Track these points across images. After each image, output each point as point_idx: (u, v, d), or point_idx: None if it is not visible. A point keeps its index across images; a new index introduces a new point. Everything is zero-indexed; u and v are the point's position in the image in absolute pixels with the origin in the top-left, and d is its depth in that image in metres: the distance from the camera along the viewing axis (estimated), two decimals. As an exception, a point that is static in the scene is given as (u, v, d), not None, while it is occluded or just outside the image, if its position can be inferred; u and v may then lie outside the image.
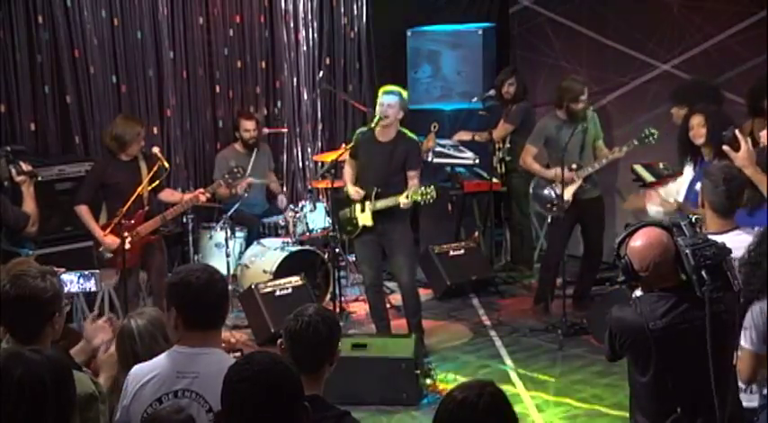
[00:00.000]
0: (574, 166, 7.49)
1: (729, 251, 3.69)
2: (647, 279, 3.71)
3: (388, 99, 6.90)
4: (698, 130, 6.18)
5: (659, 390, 3.68)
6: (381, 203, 6.95)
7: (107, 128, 8.20)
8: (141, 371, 3.43)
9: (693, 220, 3.75)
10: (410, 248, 7.23)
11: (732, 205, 4.54)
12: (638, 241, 3.71)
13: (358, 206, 7.08)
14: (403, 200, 6.83)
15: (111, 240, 7.03)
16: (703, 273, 3.56)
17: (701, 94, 7.00)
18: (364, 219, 7.05)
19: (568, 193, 7.49)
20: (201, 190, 7.39)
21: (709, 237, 4.03)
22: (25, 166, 6.25)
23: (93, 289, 4.49)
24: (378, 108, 6.94)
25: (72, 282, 4.13)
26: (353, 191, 7.07)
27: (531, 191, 7.87)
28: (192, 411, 3.18)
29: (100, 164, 7.49)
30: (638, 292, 3.87)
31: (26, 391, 2.64)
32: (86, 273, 4.42)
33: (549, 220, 7.79)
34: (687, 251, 3.60)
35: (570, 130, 7.41)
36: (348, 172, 7.26)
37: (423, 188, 6.83)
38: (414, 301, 7.20)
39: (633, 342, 3.70)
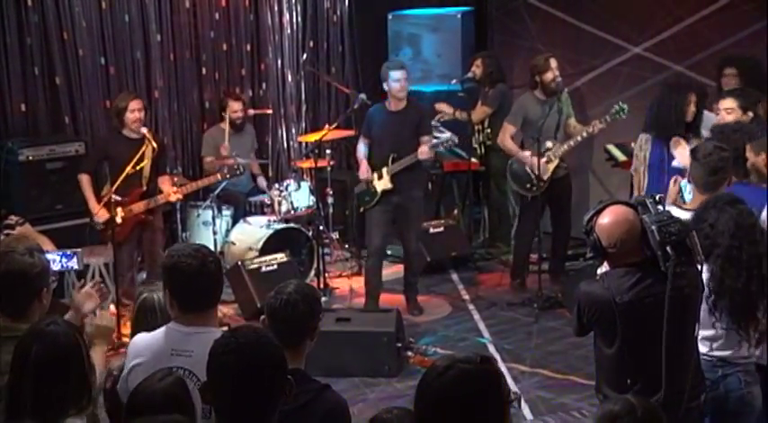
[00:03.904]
0: (549, 144, 7.66)
1: (693, 227, 3.79)
2: (615, 255, 3.78)
3: (399, 74, 7.15)
4: (693, 107, 6.34)
5: (624, 361, 3.76)
6: (399, 165, 7.20)
7: (96, 108, 8.31)
8: (140, 343, 3.47)
9: (657, 198, 3.80)
10: (421, 216, 7.73)
11: (711, 181, 4.55)
12: (605, 218, 3.77)
13: (375, 175, 7.31)
14: (422, 149, 7.12)
15: (103, 214, 7.20)
16: (668, 248, 3.63)
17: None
18: (383, 184, 7.28)
19: (547, 173, 7.68)
20: (176, 189, 7.46)
21: (676, 211, 4.16)
22: (12, 220, 6.15)
23: (76, 267, 4.49)
24: (393, 84, 7.15)
25: (55, 261, 4.17)
26: (364, 169, 7.34)
27: (508, 170, 8.01)
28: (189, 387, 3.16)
29: (104, 136, 7.67)
30: (601, 269, 3.95)
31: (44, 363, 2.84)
32: (69, 252, 4.41)
33: (528, 200, 7.91)
34: (653, 227, 3.66)
35: (546, 110, 7.55)
36: (361, 150, 7.47)
37: (444, 135, 7.21)
38: (419, 262, 7.71)
39: (601, 315, 3.77)
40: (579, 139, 7.68)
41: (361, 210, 7.58)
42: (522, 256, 8.14)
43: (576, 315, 3.90)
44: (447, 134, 8.82)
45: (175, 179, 8.11)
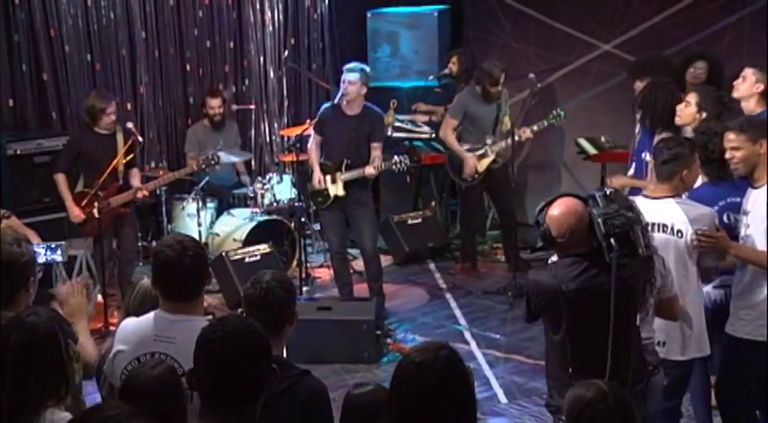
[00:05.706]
0: (488, 140, 7.98)
1: (638, 220, 3.85)
2: (563, 245, 3.87)
3: (350, 76, 7.14)
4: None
5: (569, 347, 3.86)
6: (350, 174, 7.19)
7: (82, 103, 8.46)
8: (128, 327, 3.52)
9: (608, 192, 3.87)
10: (373, 217, 7.49)
11: (664, 171, 4.59)
12: (555, 210, 3.86)
13: (328, 177, 7.27)
14: (369, 170, 7.13)
15: (78, 213, 7.26)
16: (612, 240, 3.72)
17: (657, 66, 7.11)
18: (336, 189, 7.24)
19: (483, 166, 8.00)
20: (143, 187, 7.45)
21: (641, 201, 4.33)
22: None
23: (60, 259, 4.52)
24: (341, 84, 7.19)
25: (39, 253, 4.20)
26: (317, 179, 7.29)
27: (446, 159, 8.30)
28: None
29: (76, 134, 7.68)
30: (552, 258, 4.06)
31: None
32: (53, 245, 4.47)
33: (463, 188, 8.26)
34: (599, 220, 3.75)
35: (485, 106, 7.89)
36: (313, 148, 7.42)
37: (396, 157, 7.19)
38: (376, 266, 7.42)
39: (548, 303, 3.87)
40: (516, 138, 7.86)
41: (314, 208, 7.42)
42: (468, 240, 8.46)
43: (525, 302, 4.02)
44: (425, 128, 9.07)
45: (160, 172, 8.25)
